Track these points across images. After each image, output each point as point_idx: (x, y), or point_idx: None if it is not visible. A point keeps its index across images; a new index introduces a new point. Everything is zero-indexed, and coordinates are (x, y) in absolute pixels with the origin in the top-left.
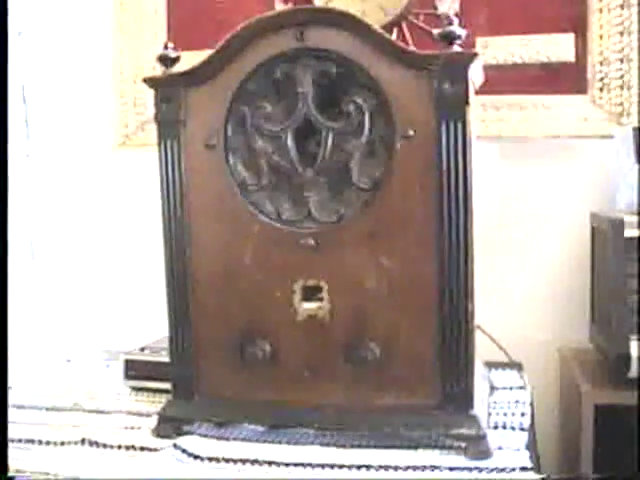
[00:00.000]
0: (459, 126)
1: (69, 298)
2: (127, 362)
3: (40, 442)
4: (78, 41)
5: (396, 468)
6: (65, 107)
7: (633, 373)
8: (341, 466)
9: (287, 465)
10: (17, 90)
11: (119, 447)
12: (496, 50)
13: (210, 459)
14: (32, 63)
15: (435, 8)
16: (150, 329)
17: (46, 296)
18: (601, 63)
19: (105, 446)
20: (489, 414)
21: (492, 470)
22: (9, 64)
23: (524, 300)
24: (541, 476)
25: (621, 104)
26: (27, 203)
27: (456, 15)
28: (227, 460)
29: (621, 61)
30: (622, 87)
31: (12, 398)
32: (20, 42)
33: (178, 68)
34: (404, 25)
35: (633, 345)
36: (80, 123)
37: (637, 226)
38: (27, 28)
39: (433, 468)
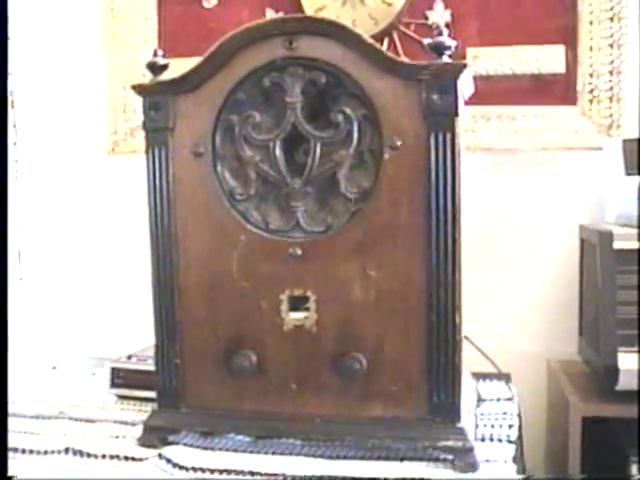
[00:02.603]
0: (448, 137)
1: (56, 304)
2: (113, 370)
3: (24, 451)
4: (68, 47)
5: None
6: (54, 113)
7: (621, 386)
8: (327, 477)
9: (273, 476)
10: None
11: (103, 456)
12: (487, 61)
13: (195, 469)
14: (21, 68)
15: (426, 18)
16: (137, 337)
17: (33, 302)
18: (591, 75)
19: (89, 455)
20: (476, 426)
21: None
22: None
23: (512, 311)
24: (523, 476)
25: (610, 116)
26: (14, 209)
27: (447, 26)
28: (212, 470)
29: (611, 73)
30: (611, 99)
31: None
32: (9, 47)
33: (168, 75)
34: (395, 34)
35: (621, 357)
36: (69, 129)
37: (630, 238)
38: (16, 33)
39: None
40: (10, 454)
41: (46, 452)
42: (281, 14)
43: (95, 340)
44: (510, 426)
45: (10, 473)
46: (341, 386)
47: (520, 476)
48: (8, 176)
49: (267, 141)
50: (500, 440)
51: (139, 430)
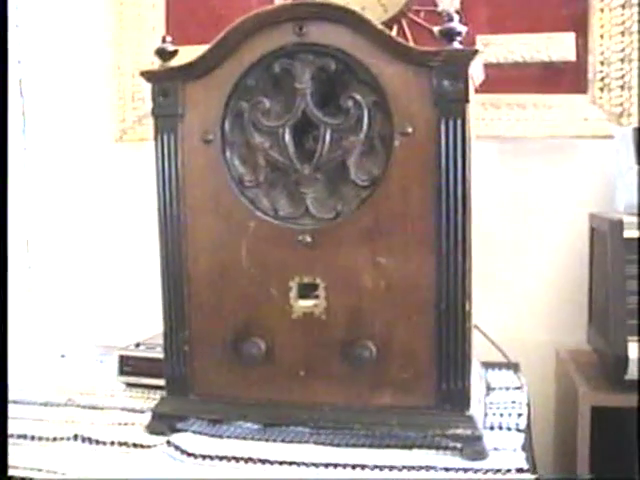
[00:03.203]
0: (458, 124)
1: (64, 292)
2: (122, 358)
3: (32, 438)
4: (76, 34)
5: (391, 468)
6: (62, 101)
7: (630, 375)
8: (336, 465)
9: (281, 463)
10: (14, 84)
11: (112, 443)
12: (497, 48)
13: (204, 457)
14: (29, 56)
15: (435, 5)
16: (145, 325)
17: (41, 290)
18: (602, 63)
19: (98, 442)
20: (485, 414)
21: (488, 471)
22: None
23: (522, 300)
24: (535, 476)
25: (621, 104)
26: (23, 197)
27: (457, 12)
28: (221, 458)
29: (622, 61)
30: (622, 87)
31: None
32: (17, 35)
33: (177, 62)
34: (404, 22)
35: (631, 347)
36: (77, 117)
37: (636, 227)
38: (24, 21)
39: (428, 468)
40: (19, 441)
41: (55, 439)
42: (290, 0)
43: (104, 328)
44: (519, 415)
45: (20, 460)
46: (350, 374)
47: (534, 476)
48: (8, 167)
49: (276, 127)
50: (509, 429)
51: (147, 417)
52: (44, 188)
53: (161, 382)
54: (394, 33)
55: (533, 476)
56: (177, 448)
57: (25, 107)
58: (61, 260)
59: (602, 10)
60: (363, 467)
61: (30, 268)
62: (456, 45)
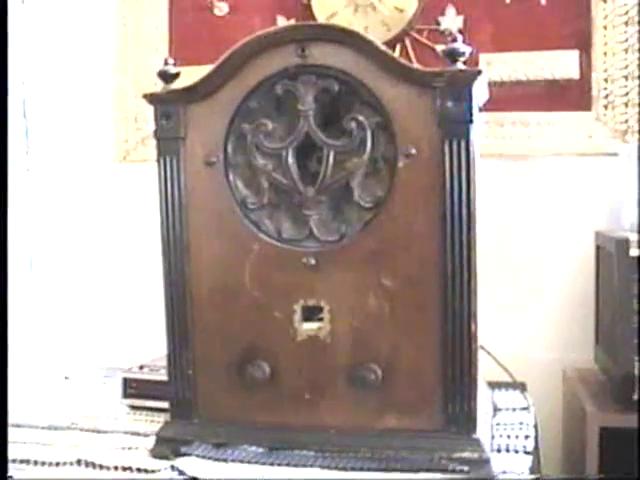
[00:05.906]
0: (462, 144)
1: (68, 314)
2: (125, 380)
3: (35, 462)
4: (79, 56)
5: None
6: (66, 122)
7: (638, 395)
8: None
9: None
10: (18, 104)
11: (115, 468)
12: (500, 67)
13: None
14: (33, 77)
15: (438, 24)
16: (150, 347)
17: (45, 311)
18: (605, 80)
19: (101, 467)
20: (492, 437)
21: None
22: (10, 77)
23: (528, 320)
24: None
25: (626, 121)
26: (26, 217)
27: (459, 32)
28: None
29: (625, 78)
30: (627, 104)
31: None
32: (21, 56)
33: (180, 84)
34: (407, 41)
35: (638, 366)
36: (80, 138)
37: None
38: (28, 42)
39: None
40: (22, 466)
41: (58, 464)
42: (292, 21)
43: (108, 350)
44: (526, 437)
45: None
46: (356, 397)
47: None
48: (8, 180)
49: (280, 149)
50: (517, 451)
51: (151, 441)
52: (48, 208)
53: (165, 404)
54: (397, 52)
55: None
56: (181, 472)
57: (28, 128)
58: (65, 280)
59: (605, 28)
60: None
61: (34, 288)
62: (460, 65)
